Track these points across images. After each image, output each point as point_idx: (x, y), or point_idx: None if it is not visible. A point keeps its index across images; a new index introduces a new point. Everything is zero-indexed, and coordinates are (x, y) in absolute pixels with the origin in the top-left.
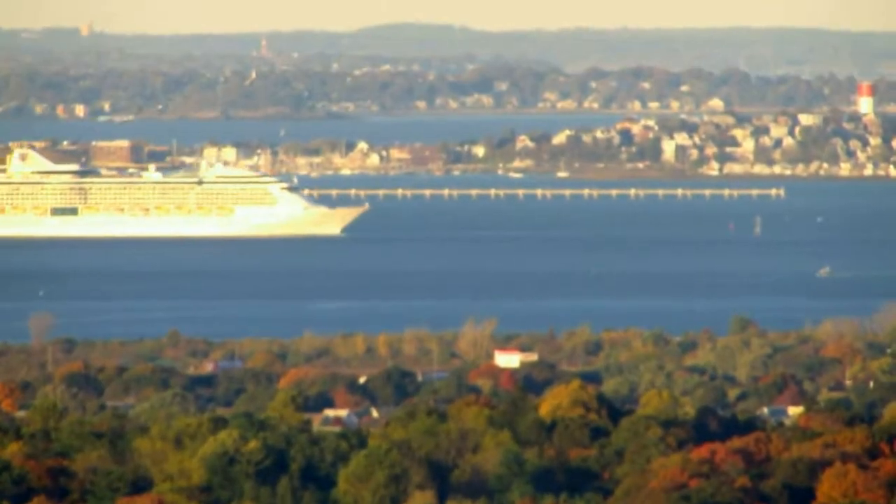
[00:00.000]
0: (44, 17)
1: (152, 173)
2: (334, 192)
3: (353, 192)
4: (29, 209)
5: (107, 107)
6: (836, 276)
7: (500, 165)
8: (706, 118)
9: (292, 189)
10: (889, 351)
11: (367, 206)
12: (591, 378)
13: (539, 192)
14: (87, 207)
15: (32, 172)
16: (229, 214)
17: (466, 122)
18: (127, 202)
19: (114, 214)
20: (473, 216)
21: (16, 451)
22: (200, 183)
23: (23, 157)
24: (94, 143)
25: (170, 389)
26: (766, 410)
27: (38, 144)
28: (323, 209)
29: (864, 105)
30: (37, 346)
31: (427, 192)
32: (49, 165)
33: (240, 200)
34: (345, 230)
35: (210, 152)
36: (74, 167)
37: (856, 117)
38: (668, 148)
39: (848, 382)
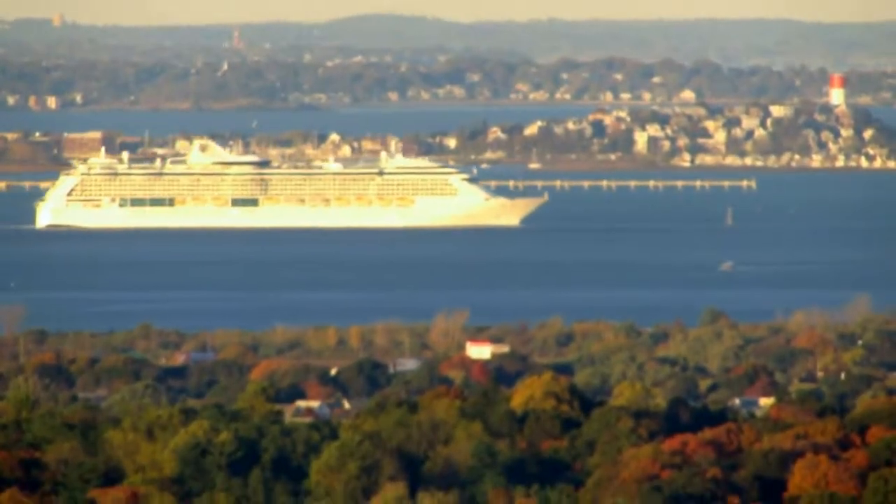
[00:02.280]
0: (15, 8)
1: (332, 164)
2: (511, 183)
3: (514, 183)
4: (209, 200)
5: (79, 98)
6: (737, 271)
7: (472, 157)
8: (678, 109)
9: (472, 180)
10: (860, 342)
11: (545, 197)
12: (563, 369)
13: (511, 183)
14: (268, 198)
15: (213, 163)
16: (409, 205)
17: (438, 114)
18: (308, 193)
19: (294, 205)
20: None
21: None
22: (381, 174)
23: (203, 148)
24: (66, 134)
25: (141, 381)
26: (737, 401)
27: (9, 136)
28: (503, 200)
29: (836, 96)
30: (9, 338)
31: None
32: (229, 156)
33: (420, 191)
34: (523, 221)
35: (182, 144)
36: (254, 158)
37: (827, 109)
38: (640, 139)
39: (819, 374)
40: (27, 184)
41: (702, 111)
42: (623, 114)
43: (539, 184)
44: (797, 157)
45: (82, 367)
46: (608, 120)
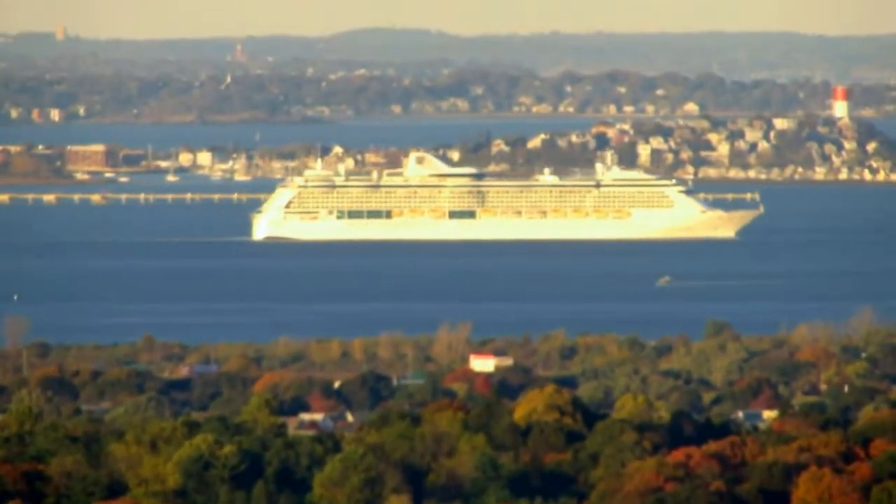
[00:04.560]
0: (18, 22)
1: (548, 176)
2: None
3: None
4: (426, 212)
5: (82, 111)
6: (674, 285)
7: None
8: (681, 122)
9: (688, 192)
10: (864, 355)
11: (761, 209)
12: (567, 382)
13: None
14: (485, 210)
15: (430, 175)
16: (626, 217)
17: (442, 127)
18: (524, 205)
19: (511, 218)
20: None
21: None
22: (598, 186)
23: (419, 160)
24: (69, 147)
25: (145, 393)
26: (741, 414)
27: (13, 148)
28: (719, 212)
29: (839, 109)
30: (12, 350)
31: None
32: (446, 168)
33: (636, 203)
34: (739, 233)
35: (185, 157)
36: (471, 170)
37: (831, 121)
38: (644, 152)
39: (823, 386)
40: (30, 196)
41: (705, 124)
42: (626, 126)
43: None
44: (800, 169)
45: (86, 379)
46: (611, 133)
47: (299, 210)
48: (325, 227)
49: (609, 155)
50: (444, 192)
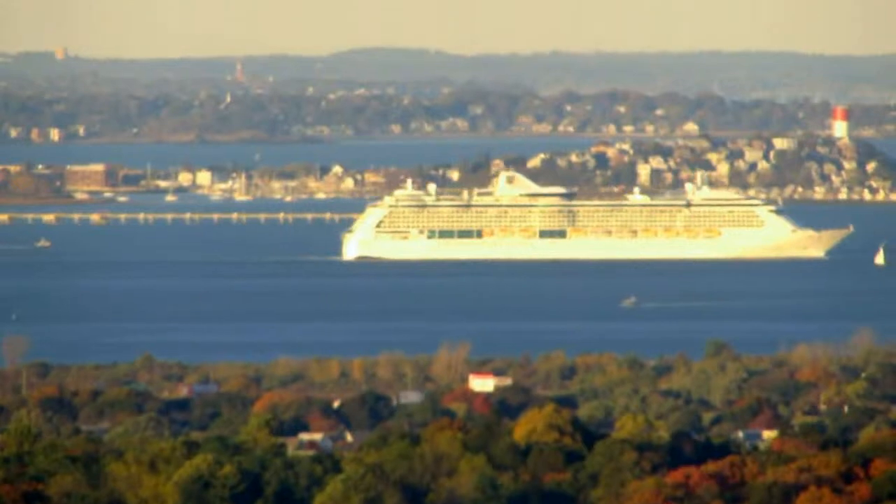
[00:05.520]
0: (18, 41)
1: (637, 195)
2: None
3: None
4: (517, 232)
5: (81, 130)
6: (640, 307)
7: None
8: (681, 142)
9: (779, 212)
10: (863, 375)
11: (851, 228)
12: (566, 402)
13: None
14: (575, 230)
15: (520, 195)
16: (716, 237)
17: (441, 146)
18: (615, 225)
19: (601, 237)
20: None
21: None
22: (689, 205)
23: (510, 180)
24: (68, 166)
25: (144, 413)
26: (740, 434)
27: (12, 168)
28: (809, 232)
29: (839, 129)
30: (11, 370)
31: None
32: (536, 188)
33: (726, 223)
34: (828, 253)
35: (185, 176)
36: (561, 189)
37: (830, 141)
38: (643, 171)
39: (822, 406)
40: (30, 216)
41: (705, 143)
42: (626, 146)
43: None
44: (800, 189)
45: (85, 399)
46: (611, 152)
47: (390, 230)
48: (416, 247)
49: (699, 175)
50: (535, 212)
